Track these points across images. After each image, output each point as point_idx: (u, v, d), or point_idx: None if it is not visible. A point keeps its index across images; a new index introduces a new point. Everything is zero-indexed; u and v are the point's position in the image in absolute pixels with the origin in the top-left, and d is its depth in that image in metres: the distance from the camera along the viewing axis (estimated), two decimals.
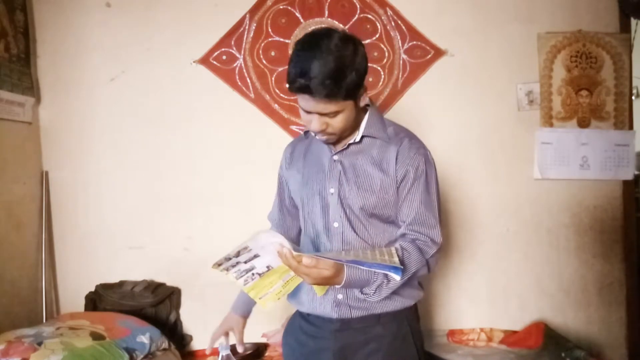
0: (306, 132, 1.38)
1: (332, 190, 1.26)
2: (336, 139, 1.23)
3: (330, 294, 1.25)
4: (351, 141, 1.26)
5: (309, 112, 1.15)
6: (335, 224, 1.25)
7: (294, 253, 1.07)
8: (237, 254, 1.11)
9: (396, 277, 1.06)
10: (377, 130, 1.26)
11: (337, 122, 1.16)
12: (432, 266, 1.24)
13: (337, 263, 1.09)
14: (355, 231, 1.24)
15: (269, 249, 1.10)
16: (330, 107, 1.12)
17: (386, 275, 1.14)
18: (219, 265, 1.13)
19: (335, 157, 1.28)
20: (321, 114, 1.14)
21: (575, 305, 2.48)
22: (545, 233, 2.47)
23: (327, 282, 1.11)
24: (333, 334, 1.26)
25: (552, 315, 2.45)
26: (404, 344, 1.28)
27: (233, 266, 1.14)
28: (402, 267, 1.07)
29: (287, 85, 1.13)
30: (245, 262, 1.12)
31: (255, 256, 1.12)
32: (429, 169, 1.26)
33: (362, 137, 1.26)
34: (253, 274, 1.14)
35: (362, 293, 1.20)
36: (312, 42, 1.11)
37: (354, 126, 1.23)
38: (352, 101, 1.15)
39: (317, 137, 1.22)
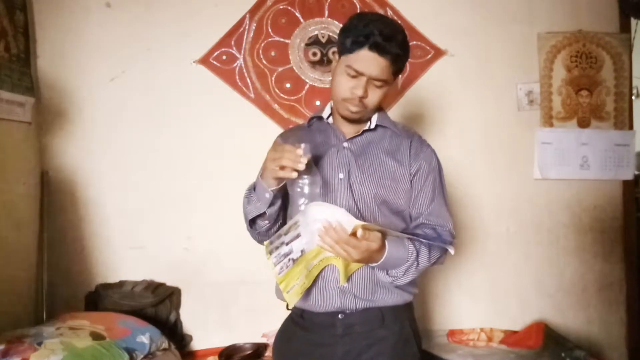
0: (310, 119, 1.37)
1: (341, 176, 1.26)
2: (361, 115, 1.25)
3: (332, 282, 1.23)
4: (366, 128, 1.30)
5: (359, 75, 1.18)
6: None
7: (355, 222, 1.04)
8: (288, 231, 1.10)
9: (451, 251, 1.16)
10: (389, 122, 1.33)
11: (376, 96, 1.22)
12: (447, 256, 1.26)
13: (382, 236, 1.10)
14: (363, 218, 1.23)
15: (311, 227, 1.07)
16: (385, 72, 1.18)
17: (417, 257, 1.19)
18: (271, 243, 1.13)
19: (346, 145, 1.29)
20: (371, 78, 1.18)
21: (575, 305, 2.48)
22: (546, 233, 2.47)
23: (370, 257, 1.11)
24: (336, 339, 1.24)
25: (552, 315, 2.45)
26: (407, 346, 1.28)
27: (277, 247, 1.13)
28: (453, 240, 1.17)
29: (354, 40, 1.16)
30: (287, 244, 1.12)
31: (298, 236, 1.10)
32: (441, 166, 1.33)
33: (377, 125, 1.31)
34: (289, 260, 1.13)
35: (389, 276, 1.20)
36: (381, 15, 1.29)
37: (376, 111, 1.29)
38: (393, 80, 1.24)
39: (348, 107, 1.22)
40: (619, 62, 2.46)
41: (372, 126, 1.30)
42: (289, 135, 1.40)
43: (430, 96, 2.43)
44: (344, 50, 1.20)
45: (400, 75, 2.42)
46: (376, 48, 1.14)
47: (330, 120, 1.35)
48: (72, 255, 2.38)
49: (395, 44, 1.16)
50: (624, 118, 2.48)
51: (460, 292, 2.46)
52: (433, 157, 1.31)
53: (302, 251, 1.13)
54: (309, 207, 1.05)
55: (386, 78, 1.19)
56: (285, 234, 1.11)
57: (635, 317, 2.49)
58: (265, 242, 1.15)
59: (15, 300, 2.13)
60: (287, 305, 1.32)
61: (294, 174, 1.06)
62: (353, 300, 1.23)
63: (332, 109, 1.34)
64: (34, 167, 2.33)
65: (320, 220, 1.05)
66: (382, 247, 1.12)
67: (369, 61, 1.16)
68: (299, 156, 1.06)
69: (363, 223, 1.04)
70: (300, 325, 1.31)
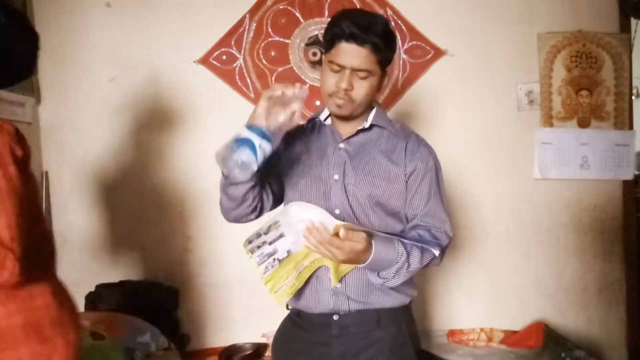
0: (309, 121, 1.36)
1: (336, 177, 1.25)
2: (350, 111, 1.23)
3: (326, 283, 1.22)
4: (360, 127, 1.28)
5: (342, 69, 1.18)
6: (337, 211, 1.23)
7: (335, 223, 1.02)
8: (267, 230, 1.08)
9: (435, 252, 1.13)
10: (385, 122, 1.31)
11: (362, 88, 1.20)
12: (443, 257, 1.25)
13: (368, 237, 1.09)
14: (357, 220, 1.22)
15: (295, 227, 1.06)
16: (367, 62, 1.17)
17: (408, 259, 1.16)
18: (249, 242, 1.11)
19: (342, 145, 1.28)
20: (354, 70, 1.17)
21: (575, 305, 2.48)
22: (546, 233, 2.47)
23: (356, 258, 1.09)
24: (332, 339, 1.24)
25: (552, 315, 2.45)
26: (404, 348, 1.27)
27: (259, 246, 1.11)
28: (440, 242, 1.14)
29: (332, 35, 1.18)
30: (270, 244, 1.10)
31: (281, 236, 1.09)
32: (438, 166, 1.30)
33: (372, 125, 1.29)
34: (274, 260, 1.12)
35: (379, 277, 1.18)
36: (364, 10, 1.28)
37: (366, 106, 1.27)
38: (380, 72, 1.22)
39: (335, 101, 1.21)
40: (619, 62, 2.46)
41: (367, 125, 1.29)
42: (288, 134, 1.39)
43: (430, 96, 2.43)
44: (326, 48, 1.22)
45: (394, 70, 2.45)
46: (353, 39, 1.15)
47: (328, 121, 1.34)
48: (72, 255, 2.38)
49: (373, 33, 1.15)
50: (624, 118, 2.48)
51: (460, 292, 2.46)
52: (430, 157, 1.28)
53: (288, 251, 1.12)
54: (290, 207, 1.04)
55: (369, 68, 1.18)
56: (266, 233, 1.10)
57: (635, 317, 2.49)
58: (244, 242, 1.14)
59: None
60: (287, 305, 1.32)
61: (278, 92, 1.06)
62: (346, 302, 1.23)
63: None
64: (34, 167, 2.32)
65: (304, 220, 1.04)
66: (369, 247, 1.10)
67: (348, 52, 1.16)
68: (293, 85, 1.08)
69: (344, 223, 1.03)
70: (298, 324, 1.30)
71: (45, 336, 1.14)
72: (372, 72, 1.19)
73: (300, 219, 1.04)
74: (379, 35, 1.16)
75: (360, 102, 1.23)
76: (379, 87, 1.26)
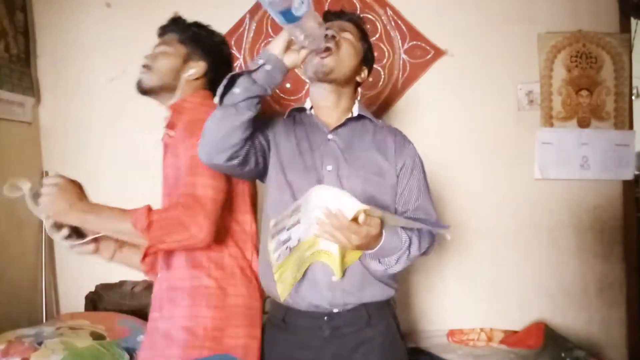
0: (292, 111, 1.36)
1: (329, 167, 1.25)
2: (333, 63, 1.24)
3: (323, 275, 1.22)
4: (348, 116, 1.31)
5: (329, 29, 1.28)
6: None
7: (359, 206, 0.99)
8: (291, 214, 1.06)
9: (447, 236, 1.14)
10: (370, 115, 1.35)
11: (346, 44, 1.27)
12: (433, 248, 1.28)
13: (380, 222, 1.09)
14: None
15: (311, 214, 1.03)
16: (350, 27, 1.31)
17: (409, 246, 1.19)
18: (275, 224, 1.10)
19: (330, 136, 1.29)
20: (339, 29, 1.28)
21: (575, 306, 2.47)
22: (546, 233, 2.47)
23: (368, 243, 1.09)
24: (323, 342, 1.23)
25: (552, 315, 2.44)
26: (394, 343, 1.29)
27: (279, 231, 1.09)
28: (447, 225, 1.15)
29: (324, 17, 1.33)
30: (287, 229, 1.08)
31: (298, 222, 1.07)
32: (422, 162, 1.35)
33: (359, 115, 1.32)
34: (287, 248, 1.10)
35: (381, 264, 1.19)
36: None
37: (347, 75, 1.29)
38: (361, 50, 1.32)
39: (322, 53, 1.22)
40: (619, 62, 2.46)
41: (355, 114, 1.31)
42: (277, 121, 1.36)
43: (430, 96, 2.43)
44: None
45: (393, 71, 2.45)
46: (338, 17, 1.33)
47: (312, 112, 1.35)
48: (72, 255, 2.37)
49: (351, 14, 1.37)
50: (624, 118, 2.48)
51: (460, 292, 2.46)
52: (415, 153, 1.33)
53: (299, 240, 1.11)
54: (312, 192, 1.01)
55: (352, 31, 1.30)
56: (290, 216, 1.08)
57: (635, 317, 2.49)
58: (272, 222, 1.10)
59: (15, 300, 2.13)
60: (263, 309, 1.31)
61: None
62: (341, 294, 1.22)
63: (312, 102, 1.36)
64: (34, 167, 2.33)
65: (320, 207, 1.02)
66: (379, 234, 1.11)
67: (333, 24, 1.31)
68: None
69: (365, 207, 1.00)
70: (282, 328, 1.28)
71: None
72: (354, 35, 1.29)
73: (317, 206, 1.02)
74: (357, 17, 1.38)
75: (343, 58, 1.25)
76: (359, 66, 1.32)
